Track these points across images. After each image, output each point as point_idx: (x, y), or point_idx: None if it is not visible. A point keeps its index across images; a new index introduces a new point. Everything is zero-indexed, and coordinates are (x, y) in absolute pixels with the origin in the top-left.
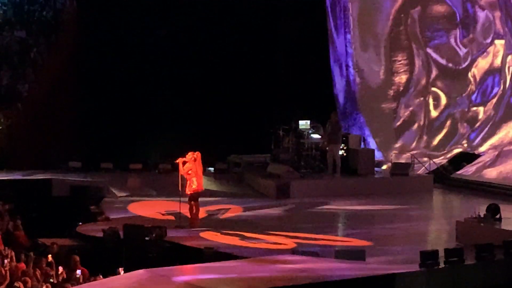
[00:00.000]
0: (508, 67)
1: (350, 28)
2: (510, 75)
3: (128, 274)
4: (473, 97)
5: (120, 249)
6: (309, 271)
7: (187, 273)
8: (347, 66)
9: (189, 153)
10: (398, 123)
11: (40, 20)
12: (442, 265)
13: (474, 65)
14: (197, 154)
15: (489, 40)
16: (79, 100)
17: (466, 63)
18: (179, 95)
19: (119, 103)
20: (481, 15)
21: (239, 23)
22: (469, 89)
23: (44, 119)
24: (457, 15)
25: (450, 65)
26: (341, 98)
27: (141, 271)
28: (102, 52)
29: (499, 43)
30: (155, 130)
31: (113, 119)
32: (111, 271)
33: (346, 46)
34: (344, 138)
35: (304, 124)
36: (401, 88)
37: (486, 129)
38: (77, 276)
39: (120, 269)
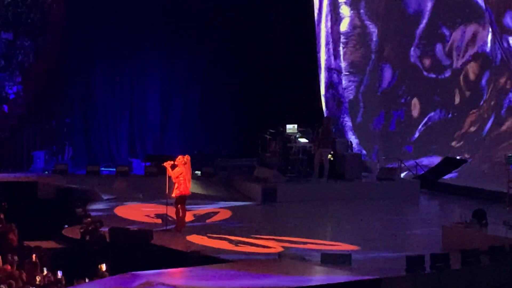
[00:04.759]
0: (492, 78)
1: (339, 33)
2: (492, 84)
3: (111, 277)
4: (459, 105)
5: (106, 252)
6: (295, 275)
7: (171, 277)
8: (335, 70)
9: (179, 157)
10: (385, 128)
11: (27, 22)
12: (428, 270)
13: (459, 74)
14: (187, 158)
15: (474, 50)
16: (66, 102)
17: (451, 72)
18: (167, 99)
19: (107, 106)
20: (467, 25)
21: (227, 27)
22: (454, 97)
23: (31, 122)
24: (443, 26)
25: (436, 73)
26: (328, 103)
27: (125, 274)
28: (89, 55)
29: (484, 54)
30: (142, 133)
31: (101, 121)
32: (96, 275)
33: (334, 50)
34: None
35: (291, 128)
36: (388, 94)
37: (472, 135)
38: (59, 277)
39: (101, 265)
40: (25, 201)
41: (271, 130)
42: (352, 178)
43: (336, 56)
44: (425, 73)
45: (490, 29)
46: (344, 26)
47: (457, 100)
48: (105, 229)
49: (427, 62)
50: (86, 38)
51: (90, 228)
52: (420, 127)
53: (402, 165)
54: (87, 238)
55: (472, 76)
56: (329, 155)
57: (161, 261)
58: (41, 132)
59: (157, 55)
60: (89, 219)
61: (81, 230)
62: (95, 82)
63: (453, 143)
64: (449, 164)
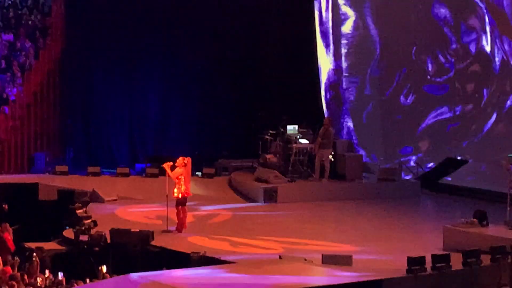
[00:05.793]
0: (493, 79)
1: (340, 33)
2: (494, 85)
3: (112, 279)
4: (460, 105)
5: (107, 253)
6: (296, 276)
7: (172, 278)
8: (335, 71)
9: (180, 158)
10: (386, 129)
11: (28, 24)
12: (429, 271)
13: (461, 75)
14: (188, 160)
15: (475, 51)
16: (67, 104)
17: (453, 73)
18: (167, 100)
19: (108, 107)
20: (469, 26)
21: (226, 28)
22: (456, 97)
23: (32, 123)
24: (445, 27)
25: (437, 74)
26: (329, 104)
27: (126, 276)
28: (90, 56)
29: (485, 55)
30: (143, 134)
31: (101, 122)
32: (97, 276)
33: (335, 51)
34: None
35: (292, 129)
36: (389, 94)
37: (473, 135)
38: (60, 278)
39: (102, 267)
40: (26, 203)
41: (272, 131)
42: (352, 179)
43: (337, 57)
44: (427, 74)
45: (491, 30)
46: (345, 27)
47: (458, 100)
48: (105, 230)
49: (429, 63)
50: (86, 40)
51: (83, 228)
52: (421, 127)
53: (403, 165)
54: (80, 238)
55: (473, 77)
56: (330, 156)
57: (162, 262)
58: (42, 134)
59: (157, 56)
60: (90, 220)
61: (74, 231)
62: (95, 83)
63: (454, 143)
64: (450, 164)
